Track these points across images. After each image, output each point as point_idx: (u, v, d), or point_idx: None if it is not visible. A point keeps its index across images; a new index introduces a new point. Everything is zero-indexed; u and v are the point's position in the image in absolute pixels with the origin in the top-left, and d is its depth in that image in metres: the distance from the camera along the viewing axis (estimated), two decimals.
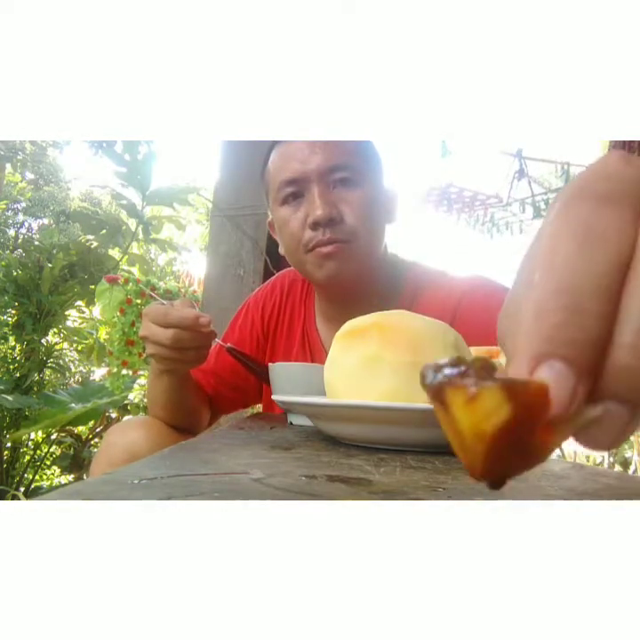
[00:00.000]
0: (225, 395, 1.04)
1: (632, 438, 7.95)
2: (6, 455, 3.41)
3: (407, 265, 0.93)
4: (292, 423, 0.73)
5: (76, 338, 4.10)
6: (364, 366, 0.48)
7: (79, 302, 3.90)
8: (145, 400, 3.97)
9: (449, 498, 0.28)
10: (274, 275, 1.11)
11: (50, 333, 3.88)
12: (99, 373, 4.75)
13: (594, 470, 0.44)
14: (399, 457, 0.43)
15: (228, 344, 0.88)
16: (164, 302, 0.74)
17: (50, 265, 3.50)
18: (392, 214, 0.89)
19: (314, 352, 0.97)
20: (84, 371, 5.08)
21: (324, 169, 0.78)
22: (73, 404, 3.27)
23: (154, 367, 0.86)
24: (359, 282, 0.83)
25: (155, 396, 0.91)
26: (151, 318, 0.72)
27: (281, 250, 0.92)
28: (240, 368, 0.97)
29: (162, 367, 0.80)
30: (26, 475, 3.51)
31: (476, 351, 0.62)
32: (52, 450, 3.88)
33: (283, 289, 1.01)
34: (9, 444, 3.40)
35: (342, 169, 0.78)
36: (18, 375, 3.58)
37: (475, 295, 0.86)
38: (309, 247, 0.79)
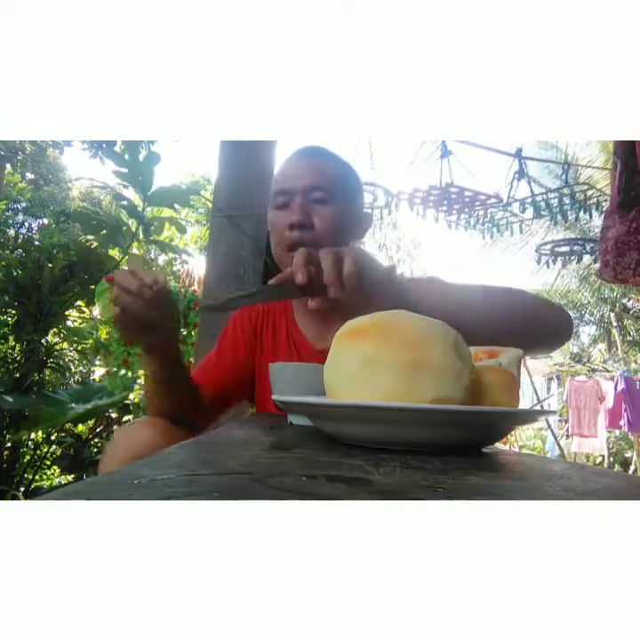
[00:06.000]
0: (229, 388, 1.11)
1: (632, 438, 7.93)
2: (6, 455, 3.41)
3: None
4: (292, 423, 0.73)
5: (75, 338, 4.10)
6: (363, 366, 0.48)
7: (79, 302, 3.90)
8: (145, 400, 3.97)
9: (449, 498, 0.28)
10: (273, 275, 1.17)
11: (50, 333, 3.87)
12: (99, 373, 4.75)
13: (594, 470, 0.44)
14: (399, 457, 0.43)
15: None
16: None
17: (50, 265, 3.50)
18: (360, 232, 1.08)
19: (299, 348, 1.10)
20: (84, 371, 5.08)
21: (307, 187, 0.99)
22: (73, 404, 3.27)
23: (146, 358, 0.93)
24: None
25: (152, 391, 0.96)
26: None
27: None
28: (241, 361, 1.11)
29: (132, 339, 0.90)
30: (26, 475, 3.51)
31: (475, 351, 0.62)
32: (52, 450, 3.88)
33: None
34: (9, 444, 3.40)
35: (320, 189, 0.99)
36: (18, 375, 3.57)
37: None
38: (286, 247, 0.98)
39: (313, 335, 1.09)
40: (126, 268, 0.89)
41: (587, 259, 6.62)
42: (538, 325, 0.88)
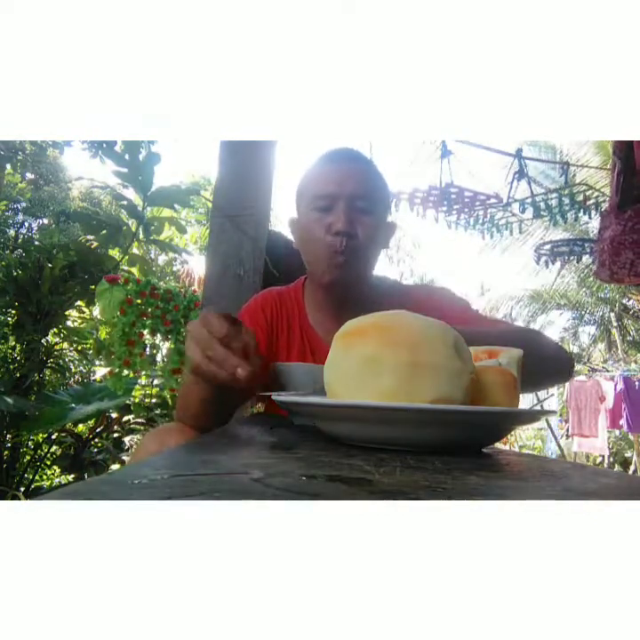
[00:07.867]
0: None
1: (632, 438, 7.94)
2: (6, 455, 3.41)
3: (382, 279, 1.19)
4: (294, 423, 0.73)
5: (75, 338, 4.10)
6: (363, 366, 0.48)
7: (79, 302, 3.90)
8: (145, 400, 3.97)
9: (449, 498, 0.28)
10: (274, 274, 1.16)
11: (50, 333, 3.88)
12: (99, 374, 4.75)
13: (594, 470, 0.44)
14: (399, 457, 0.43)
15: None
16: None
17: (50, 265, 3.50)
18: (387, 242, 1.12)
19: (314, 348, 1.08)
20: (85, 371, 5.08)
21: (352, 195, 1.00)
22: (73, 405, 3.27)
23: (189, 374, 0.79)
24: (354, 287, 1.05)
25: (188, 402, 0.88)
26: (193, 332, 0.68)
27: (296, 244, 1.09)
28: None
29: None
30: (26, 475, 3.51)
31: (475, 351, 0.62)
32: (52, 450, 3.88)
33: (273, 297, 1.14)
34: (9, 444, 3.40)
35: (363, 198, 1.00)
36: (18, 375, 3.57)
37: (441, 292, 1.14)
38: (328, 252, 0.99)
39: (327, 333, 1.07)
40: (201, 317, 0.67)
41: (586, 259, 6.62)
42: (550, 366, 0.95)
